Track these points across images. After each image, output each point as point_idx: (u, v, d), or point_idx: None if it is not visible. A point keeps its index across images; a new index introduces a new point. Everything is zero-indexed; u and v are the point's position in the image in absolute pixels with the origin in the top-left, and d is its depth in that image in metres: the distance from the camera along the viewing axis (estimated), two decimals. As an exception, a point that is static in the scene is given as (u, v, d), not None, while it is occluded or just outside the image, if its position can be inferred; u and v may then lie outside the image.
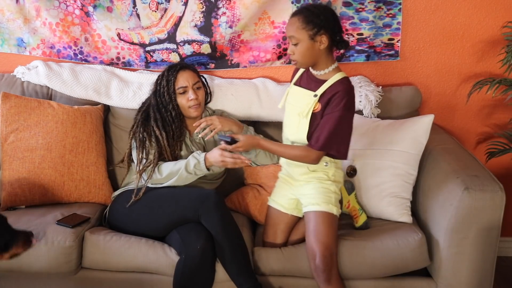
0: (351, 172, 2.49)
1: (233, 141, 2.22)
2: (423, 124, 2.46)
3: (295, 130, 2.23)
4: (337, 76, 2.17)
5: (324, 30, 2.09)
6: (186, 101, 2.44)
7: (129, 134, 2.48)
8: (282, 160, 2.40)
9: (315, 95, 2.16)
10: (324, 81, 2.17)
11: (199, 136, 2.44)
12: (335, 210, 2.22)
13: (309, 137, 2.18)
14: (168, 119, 2.43)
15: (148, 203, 2.30)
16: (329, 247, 2.12)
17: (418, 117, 2.55)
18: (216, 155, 2.26)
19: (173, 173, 2.31)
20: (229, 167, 2.32)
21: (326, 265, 2.09)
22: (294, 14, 2.15)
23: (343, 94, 2.11)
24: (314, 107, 2.17)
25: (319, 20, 2.08)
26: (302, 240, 2.28)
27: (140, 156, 2.38)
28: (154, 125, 2.41)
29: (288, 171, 2.36)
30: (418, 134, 2.46)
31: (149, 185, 2.35)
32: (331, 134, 2.11)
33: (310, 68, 2.23)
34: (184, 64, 2.53)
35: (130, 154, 2.47)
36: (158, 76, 2.50)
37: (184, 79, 2.44)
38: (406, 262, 2.21)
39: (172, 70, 2.46)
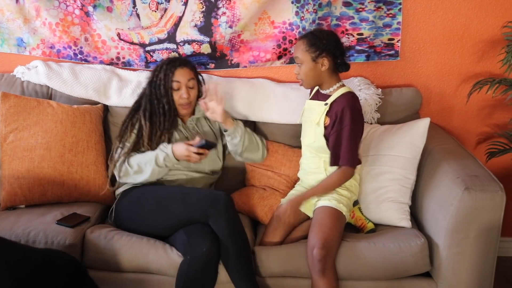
0: None
1: (210, 145, 2.32)
2: (419, 128, 2.47)
3: (314, 139, 2.38)
4: (342, 91, 2.34)
5: (325, 53, 2.28)
6: (178, 98, 2.46)
7: None
8: (300, 173, 2.51)
9: (326, 104, 2.33)
10: (330, 96, 2.36)
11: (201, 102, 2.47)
12: (344, 210, 2.28)
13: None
14: (158, 111, 2.44)
15: (157, 201, 2.29)
16: (330, 240, 2.15)
17: (414, 121, 2.55)
18: (182, 150, 2.31)
19: (142, 165, 2.34)
20: (192, 162, 2.34)
21: (323, 256, 2.10)
22: (300, 38, 2.36)
23: (348, 108, 2.27)
24: (324, 121, 2.33)
25: (322, 44, 2.28)
26: (303, 238, 2.30)
27: (116, 145, 2.43)
28: (142, 114, 2.44)
29: (307, 180, 2.45)
30: (415, 138, 2.46)
31: (122, 180, 2.40)
32: (349, 148, 2.28)
33: (319, 88, 2.41)
34: (184, 61, 2.53)
35: None
36: (156, 67, 2.51)
37: (180, 76, 2.46)
38: (407, 266, 2.21)
39: (171, 65, 2.47)
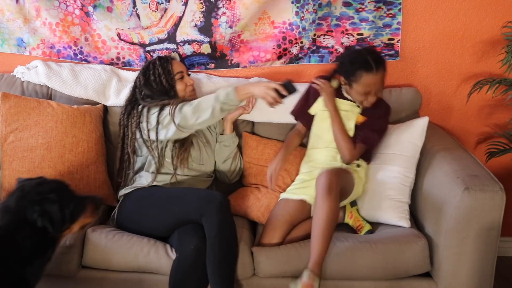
0: None
1: (293, 87, 2.26)
2: (418, 127, 2.49)
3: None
4: None
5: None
6: (184, 86, 2.50)
7: (122, 130, 2.51)
8: (307, 165, 2.53)
9: (358, 106, 2.47)
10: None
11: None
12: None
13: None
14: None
15: (158, 202, 2.29)
16: (335, 174, 2.23)
17: (413, 120, 2.56)
18: (262, 85, 2.25)
19: (202, 103, 2.27)
20: (267, 101, 2.26)
21: (331, 183, 2.19)
22: (377, 70, 2.34)
23: (386, 105, 2.52)
24: (358, 119, 2.47)
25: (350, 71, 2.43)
26: (304, 238, 2.29)
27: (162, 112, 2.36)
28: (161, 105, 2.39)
29: (317, 171, 2.41)
30: (413, 137, 2.48)
31: (180, 126, 2.30)
32: (374, 136, 2.45)
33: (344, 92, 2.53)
34: (171, 55, 2.64)
35: (133, 149, 2.48)
36: (146, 68, 2.52)
37: (179, 66, 2.53)
38: (407, 266, 2.21)
39: (163, 60, 2.52)
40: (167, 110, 2.35)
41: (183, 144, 2.44)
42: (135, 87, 2.54)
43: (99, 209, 1.88)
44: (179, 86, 2.49)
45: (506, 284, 2.75)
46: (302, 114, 2.59)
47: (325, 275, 2.18)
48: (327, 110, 2.46)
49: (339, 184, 2.22)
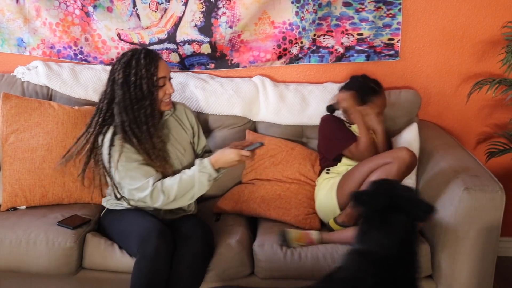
0: None
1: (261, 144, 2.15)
2: (410, 134, 2.52)
3: None
4: None
5: None
6: (163, 94, 2.12)
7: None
8: (329, 175, 2.53)
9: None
10: None
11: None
12: None
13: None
14: (141, 119, 2.06)
15: (117, 235, 2.25)
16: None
17: (403, 131, 2.58)
18: (232, 156, 2.03)
19: (181, 191, 2.06)
20: (241, 163, 2.08)
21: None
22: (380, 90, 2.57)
23: None
24: None
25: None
26: None
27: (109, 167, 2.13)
28: (121, 132, 2.06)
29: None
30: (408, 143, 2.49)
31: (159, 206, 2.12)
32: None
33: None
34: (158, 52, 2.23)
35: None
36: (126, 64, 2.07)
37: (164, 69, 2.11)
38: (409, 270, 2.21)
39: (150, 58, 2.07)
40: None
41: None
42: (119, 85, 2.07)
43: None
44: (158, 94, 2.10)
45: (506, 284, 2.75)
46: (352, 136, 2.52)
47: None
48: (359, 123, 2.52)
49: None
